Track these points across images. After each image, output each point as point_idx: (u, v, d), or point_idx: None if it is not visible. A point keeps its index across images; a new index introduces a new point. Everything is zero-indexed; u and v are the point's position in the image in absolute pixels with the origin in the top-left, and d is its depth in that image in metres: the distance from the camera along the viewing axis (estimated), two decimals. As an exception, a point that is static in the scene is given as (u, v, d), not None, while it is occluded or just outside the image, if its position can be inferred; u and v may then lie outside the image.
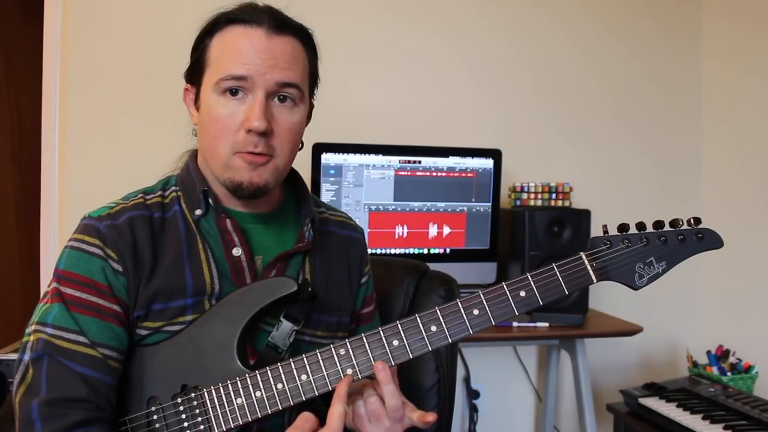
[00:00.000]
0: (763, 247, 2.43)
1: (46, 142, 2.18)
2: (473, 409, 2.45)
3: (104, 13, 2.18)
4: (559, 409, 2.56)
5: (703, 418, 1.79)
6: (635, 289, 0.98)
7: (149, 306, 0.98)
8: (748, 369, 2.11)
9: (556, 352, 2.44)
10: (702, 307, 2.68)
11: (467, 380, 2.45)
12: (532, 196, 2.26)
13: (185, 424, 0.95)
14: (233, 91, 0.97)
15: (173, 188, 1.08)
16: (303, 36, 1.03)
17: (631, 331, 2.13)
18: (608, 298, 2.50)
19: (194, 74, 1.04)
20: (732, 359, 2.16)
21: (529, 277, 0.95)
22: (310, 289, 1.02)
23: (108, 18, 2.18)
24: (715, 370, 2.11)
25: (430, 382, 1.30)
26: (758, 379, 2.11)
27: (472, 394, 2.46)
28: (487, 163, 2.20)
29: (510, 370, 2.54)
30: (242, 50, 0.97)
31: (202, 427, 0.94)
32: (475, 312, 0.95)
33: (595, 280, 0.96)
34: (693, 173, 2.69)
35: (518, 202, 2.28)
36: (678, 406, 1.89)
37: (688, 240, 0.98)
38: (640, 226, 0.97)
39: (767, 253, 2.42)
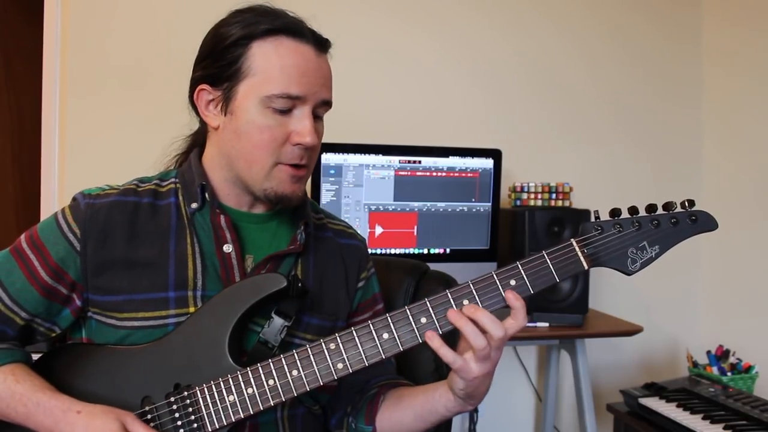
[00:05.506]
0: (763, 247, 2.43)
1: (46, 142, 2.18)
2: (473, 409, 2.45)
3: (104, 13, 2.18)
4: (559, 409, 2.56)
5: (703, 418, 1.78)
6: (628, 274, 0.95)
7: (127, 294, 0.99)
8: (748, 369, 2.11)
9: (556, 352, 2.44)
10: (702, 307, 2.68)
11: (467, 380, 2.45)
12: (532, 196, 2.26)
13: (179, 423, 0.95)
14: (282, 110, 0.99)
15: (172, 180, 1.09)
16: (327, 51, 1.06)
17: (631, 331, 2.13)
18: (608, 298, 2.50)
19: (221, 79, 1.01)
20: (732, 359, 2.16)
21: (519, 265, 0.94)
22: (300, 284, 1.02)
23: (108, 18, 2.18)
24: (715, 370, 2.11)
25: (430, 382, 1.30)
26: (758, 379, 2.10)
27: (472, 394, 2.45)
28: (487, 163, 2.20)
29: (510, 370, 2.54)
30: (297, 67, 0.99)
31: (195, 425, 0.95)
32: (465, 302, 0.94)
33: (586, 267, 0.94)
34: (693, 174, 2.69)
35: (518, 202, 2.28)
36: (678, 406, 1.88)
37: (681, 223, 0.95)
38: (633, 210, 0.96)
39: (767, 253, 2.42)
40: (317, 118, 1.03)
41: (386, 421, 1.08)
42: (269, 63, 0.99)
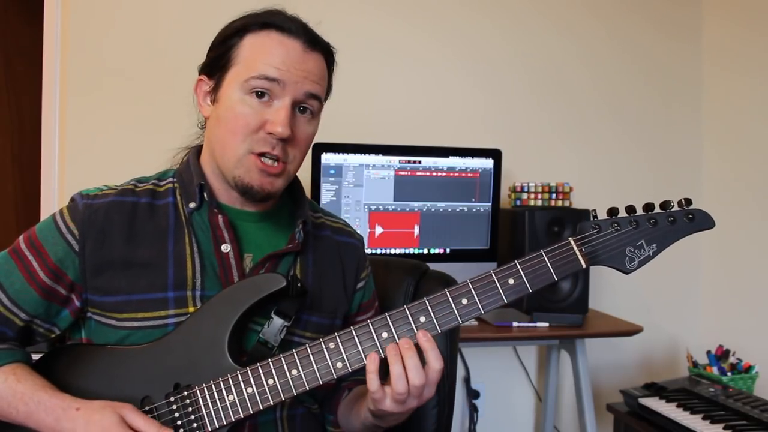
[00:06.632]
0: (763, 247, 2.43)
1: (46, 142, 2.18)
2: (473, 409, 2.45)
3: (105, 13, 2.18)
4: (559, 409, 2.56)
5: (703, 418, 1.78)
6: (626, 272, 0.96)
7: (126, 294, 0.99)
8: (748, 369, 2.11)
9: (556, 352, 2.44)
10: (702, 307, 2.68)
11: (467, 380, 2.45)
12: (532, 196, 2.26)
13: (179, 423, 0.95)
14: (260, 93, 1.00)
15: (170, 179, 1.10)
16: (328, 55, 1.07)
17: (631, 331, 2.12)
18: (608, 298, 2.50)
19: (215, 68, 1.05)
20: (732, 359, 2.16)
21: (518, 264, 0.95)
22: (299, 284, 1.02)
23: (108, 18, 2.18)
24: (715, 370, 2.11)
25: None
26: (758, 379, 2.10)
27: (472, 394, 2.46)
28: (487, 163, 2.20)
29: (510, 370, 2.54)
30: (278, 55, 1.00)
31: (195, 425, 0.95)
32: (464, 301, 0.94)
33: (584, 265, 0.95)
34: (693, 173, 2.69)
35: (518, 202, 2.28)
36: (678, 406, 1.88)
37: (678, 221, 0.96)
38: (630, 209, 0.97)
39: (767, 253, 2.42)
40: (305, 112, 1.04)
41: (342, 416, 1.13)
42: (253, 51, 1.01)
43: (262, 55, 1.00)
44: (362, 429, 1.07)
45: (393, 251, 2.14)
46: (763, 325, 2.39)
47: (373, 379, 0.92)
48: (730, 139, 2.60)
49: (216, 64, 1.04)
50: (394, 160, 2.13)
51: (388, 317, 0.95)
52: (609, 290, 2.51)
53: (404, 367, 0.91)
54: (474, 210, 2.20)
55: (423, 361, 0.93)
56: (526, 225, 2.14)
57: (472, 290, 0.95)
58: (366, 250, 1.25)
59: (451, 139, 2.36)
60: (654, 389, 2.01)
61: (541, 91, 2.54)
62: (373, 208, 2.12)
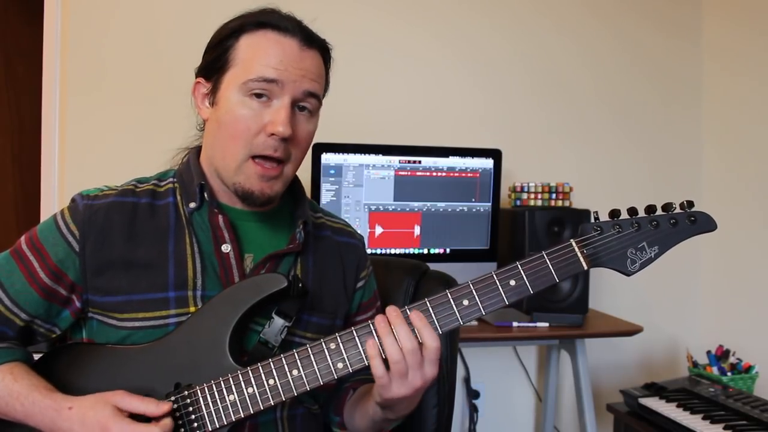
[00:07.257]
0: (763, 248, 2.43)
1: (46, 142, 2.18)
2: (473, 409, 2.45)
3: (104, 13, 2.18)
4: (559, 409, 2.56)
5: (703, 418, 1.78)
6: (627, 275, 0.96)
7: (127, 294, 0.99)
8: (748, 369, 2.11)
9: (556, 352, 2.44)
10: (702, 307, 2.68)
11: (467, 380, 2.45)
12: (532, 196, 2.26)
13: (179, 422, 0.95)
14: (259, 95, 0.99)
15: (170, 180, 1.10)
16: (325, 52, 1.07)
17: (631, 331, 2.12)
18: (608, 298, 2.50)
19: (212, 70, 1.04)
20: (732, 359, 2.16)
21: (519, 265, 0.95)
22: (300, 285, 1.02)
23: (108, 18, 2.18)
24: (715, 370, 2.11)
25: (430, 393, 1.29)
26: (758, 379, 2.10)
27: (472, 394, 2.46)
28: (487, 163, 2.20)
29: (510, 370, 2.54)
30: (275, 55, 1.00)
31: (195, 424, 0.95)
32: (465, 302, 0.94)
33: (585, 267, 0.95)
34: (693, 173, 2.69)
35: (518, 202, 2.28)
36: (678, 406, 1.88)
37: (680, 223, 0.96)
38: (632, 211, 0.96)
39: (767, 254, 2.42)
40: (303, 111, 1.04)
41: (348, 417, 1.12)
42: (250, 53, 1.01)
43: (260, 55, 1.00)
44: (370, 426, 1.06)
45: (393, 251, 2.14)
46: (763, 325, 2.39)
47: (377, 365, 0.91)
48: (730, 140, 2.60)
49: (213, 66, 1.04)
50: (394, 160, 2.13)
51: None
52: (609, 290, 2.51)
53: (395, 337, 0.91)
54: (474, 210, 2.20)
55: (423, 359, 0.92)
56: (526, 225, 2.14)
57: (473, 291, 0.94)
58: (366, 250, 1.25)
59: (451, 139, 2.36)
60: (654, 389, 2.01)
61: (541, 91, 2.54)
62: (373, 208, 2.12)
